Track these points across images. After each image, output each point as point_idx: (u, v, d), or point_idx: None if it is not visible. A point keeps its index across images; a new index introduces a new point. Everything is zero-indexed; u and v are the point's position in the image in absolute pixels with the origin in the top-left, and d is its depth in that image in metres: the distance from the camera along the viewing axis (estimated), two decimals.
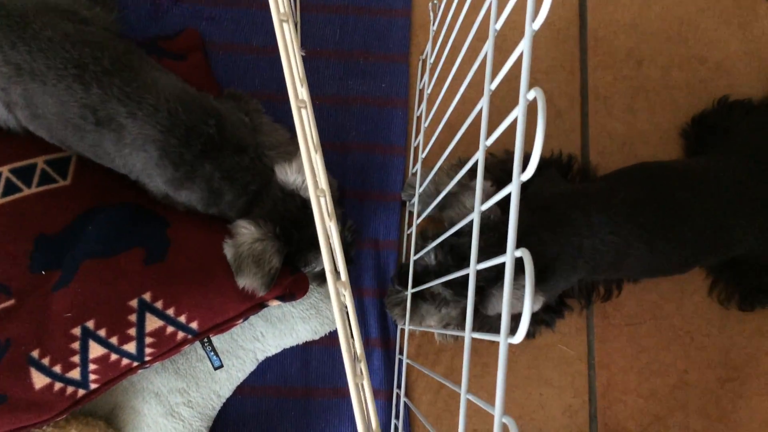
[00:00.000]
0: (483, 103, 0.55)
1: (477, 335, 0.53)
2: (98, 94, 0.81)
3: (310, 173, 0.52)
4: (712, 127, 1.05)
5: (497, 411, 0.41)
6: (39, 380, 0.86)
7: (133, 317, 0.87)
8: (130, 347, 0.88)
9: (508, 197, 0.45)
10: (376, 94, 1.11)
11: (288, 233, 0.89)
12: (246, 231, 0.86)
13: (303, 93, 0.63)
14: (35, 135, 0.91)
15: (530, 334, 1.00)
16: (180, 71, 1.01)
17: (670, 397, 1.06)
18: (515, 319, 0.93)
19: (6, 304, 0.88)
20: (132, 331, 0.87)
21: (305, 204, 0.89)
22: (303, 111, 0.58)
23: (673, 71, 1.14)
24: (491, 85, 0.54)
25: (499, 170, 1.04)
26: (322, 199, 0.57)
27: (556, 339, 1.07)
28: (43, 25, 0.82)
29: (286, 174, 0.90)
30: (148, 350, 0.88)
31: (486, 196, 0.53)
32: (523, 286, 0.38)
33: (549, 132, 1.12)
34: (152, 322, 0.87)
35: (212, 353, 0.93)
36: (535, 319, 0.99)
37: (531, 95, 0.41)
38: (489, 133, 0.53)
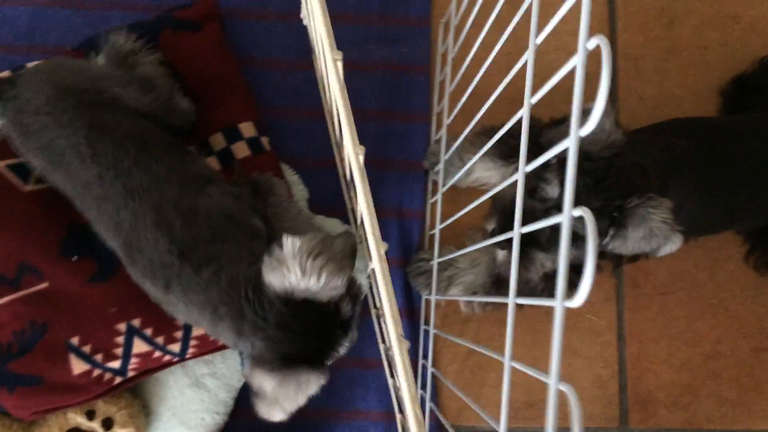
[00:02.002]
0: (528, 57, 0.51)
1: (524, 300, 0.51)
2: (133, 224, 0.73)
3: (349, 133, 0.50)
4: (752, 88, 1.01)
5: (552, 378, 0.39)
6: (78, 366, 0.86)
7: (179, 321, 0.86)
8: (175, 347, 0.89)
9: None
10: (397, 60, 1.08)
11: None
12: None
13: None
14: None
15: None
16: (195, 45, 0.98)
17: (703, 367, 1.04)
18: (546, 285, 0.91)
19: (40, 287, 0.86)
20: (178, 334, 0.88)
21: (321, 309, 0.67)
22: (339, 63, 0.56)
23: (706, 30, 1.10)
24: (537, 39, 0.51)
25: (512, 142, 1.00)
26: (360, 157, 0.55)
27: (584, 308, 1.04)
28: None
29: (282, 275, 0.65)
30: (191, 350, 0.89)
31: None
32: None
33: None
34: (199, 329, 0.87)
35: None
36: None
37: (592, 44, 0.38)
38: (534, 91, 0.50)
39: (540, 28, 0.50)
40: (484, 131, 1.01)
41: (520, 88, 0.52)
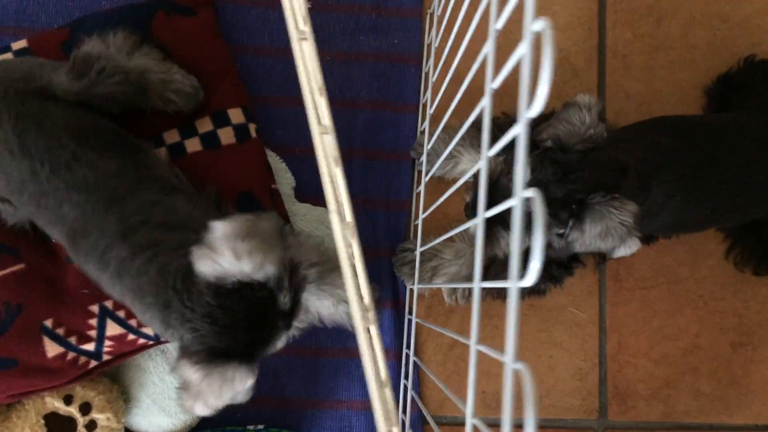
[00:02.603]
0: (488, 46, 0.52)
1: (486, 284, 0.52)
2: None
3: (313, 114, 0.49)
4: (737, 86, 1.02)
5: (508, 356, 0.40)
6: (52, 349, 0.85)
7: (93, 321, 0.86)
8: (149, 330, 0.88)
9: None
10: (388, 50, 1.08)
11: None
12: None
13: (305, 28, 0.59)
14: None
15: (541, 291, 0.98)
16: (189, 29, 0.98)
17: (681, 361, 1.05)
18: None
19: (15, 268, 0.86)
20: (93, 333, 0.87)
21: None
22: (304, 44, 0.55)
23: (694, 29, 1.11)
24: (497, 25, 0.51)
25: (498, 133, 1.01)
26: (326, 137, 0.55)
27: (567, 301, 1.05)
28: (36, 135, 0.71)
29: (212, 261, 0.61)
30: None
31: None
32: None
33: (565, 91, 1.09)
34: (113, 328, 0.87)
35: None
36: (546, 275, 0.97)
37: (538, 26, 0.38)
38: (495, 75, 0.51)
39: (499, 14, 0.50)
40: (471, 123, 1.02)
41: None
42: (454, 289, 0.99)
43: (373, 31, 1.08)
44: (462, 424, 1.01)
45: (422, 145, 1.01)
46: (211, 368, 0.63)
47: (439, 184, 1.04)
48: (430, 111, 0.95)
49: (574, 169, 0.71)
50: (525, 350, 1.03)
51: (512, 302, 0.40)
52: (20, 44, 0.94)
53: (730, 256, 1.06)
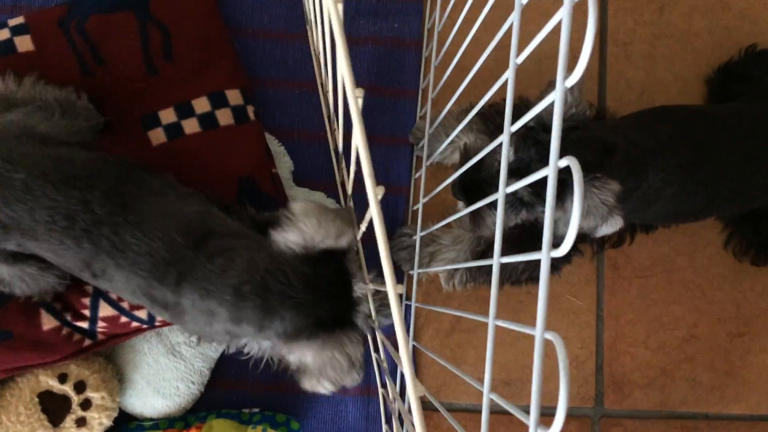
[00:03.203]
0: (514, 17, 0.51)
1: (508, 259, 0.51)
2: (89, 248, 0.69)
3: (346, 64, 0.47)
4: (738, 76, 1.02)
5: (538, 327, 0.39)
6: (48, 321, 0.85)
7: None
8: (142, 314, 0.88)
9: None
10: (388, 35, 1.07)
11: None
12: None
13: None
14: None
15: (538, 279, 0.98)
16: (189, 8, 0.97)
17: (678, 350, 1.05)
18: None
19: None
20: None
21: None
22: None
23: (696, 18, 1.10)
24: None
25: (499, 120, 1.00)
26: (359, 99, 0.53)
27: (564, 289, 1.05)
28: (10, 163, 0.67)
29: (289, 236, 0.67)
30: (159, 318, 0.87)
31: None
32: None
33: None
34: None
35: None
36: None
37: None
38: (520, 50, 0.50)
39: None
40: (472, 108, 1.01)
41: (507, 64, 0.52)
42: (452, 275, 0.99)
43: (373, 16, 1.07)
44: (459, 410, 1.01)
45: (421, 131, 1.00)
46: (324, 339, 0.65)
47: (437, 170, 1.04)
48: (431, 95, 0.95)
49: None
50: (521, 337, 1.03)
51: (544, 272, 0.39)
52: (17, 21, 0.93)
53: (729, 246, 1.05)
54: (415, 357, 1.01)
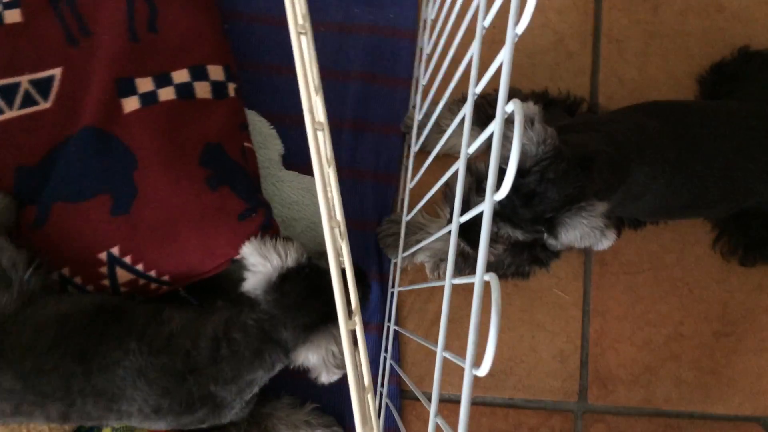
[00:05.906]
0: (474, 47, 0.52)
1: (457, 281, 0.52)
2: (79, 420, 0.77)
3: (309, 117, 0.49)
4: (730, 75, 1.02)
5: (478, 273, 0.39)
6: None
7: (104, 270, 0.85)
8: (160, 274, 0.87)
9: None
10: (383, 23, 1.07)
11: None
12: None
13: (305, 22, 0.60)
14: (20, 51, 0.90)
15: (525, 274, 0.98)
16: (182, 6, 0.96)
17: (664, 347, 1.05)
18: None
19: None
20: (105, 282, 0.86)
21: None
22: (303, 37, 0.55)
23: (690, 17, 1.11)
24: (484, 22, 0.51)
25: (491, 111, 1.01)
26: (320, 134, 0.55)
27: (551, 283, 1.05)
28: None
29: (250, 282, 0.79)
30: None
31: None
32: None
33: (558, 74, 1.08)
34: (123, 275, 0.86)
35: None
36: (531, 257, 0.97)
37: (520, 28, 0.39)
38: (479, 78, 0.51)
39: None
40: (464, 99, 1.01)
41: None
42: (438, 264, 0.98)
43: (368, 4, 1.08)
44: (442, 400, 1.00)
45: (413, 119, 1.00)
46: (314, 336, 0.76)
47: (426, 159, 1.04)
48: (422, 81, 0.95)
49: (535, 193, 0.71)
50: (507, 330, 1.03)
51: (486, 221, 0.40)
52: None
53: (717, 246, 1.05)
54: (399, 347, 1.00)
